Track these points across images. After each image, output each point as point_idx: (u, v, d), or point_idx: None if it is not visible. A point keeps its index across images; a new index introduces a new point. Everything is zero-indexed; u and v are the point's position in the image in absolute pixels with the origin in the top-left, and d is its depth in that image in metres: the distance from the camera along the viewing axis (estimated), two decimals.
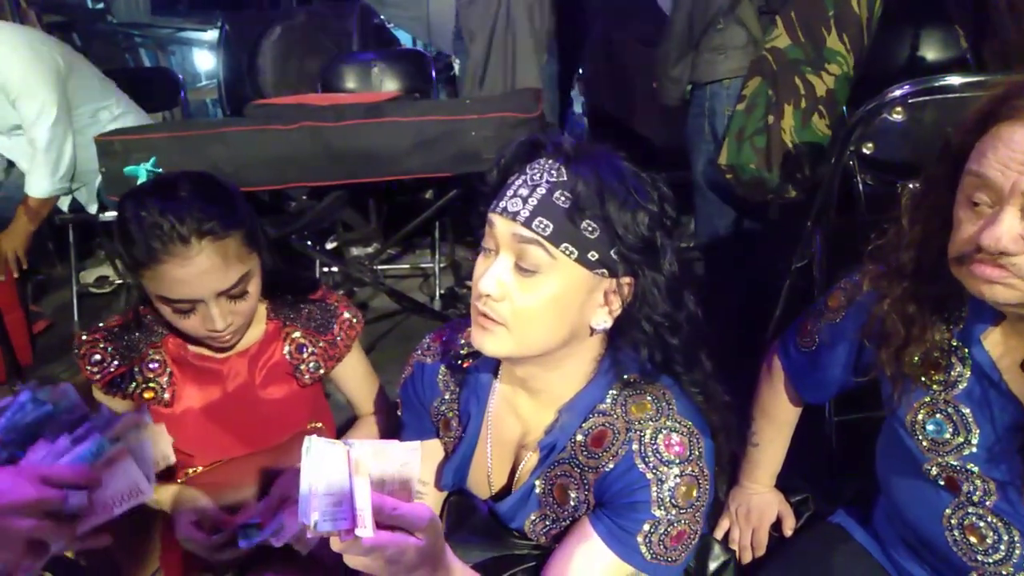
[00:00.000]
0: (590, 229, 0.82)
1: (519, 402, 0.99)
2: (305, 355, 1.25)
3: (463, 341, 1.05)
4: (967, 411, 0.90)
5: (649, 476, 0.86)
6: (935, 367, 0.91)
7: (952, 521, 0.91)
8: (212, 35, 5.12)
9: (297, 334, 1.25)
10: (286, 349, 1.24)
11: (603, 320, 0.88)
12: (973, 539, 0.89)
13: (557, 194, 0.82)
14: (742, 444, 1.22)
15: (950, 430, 0.91)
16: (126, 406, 1.21)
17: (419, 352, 1.09)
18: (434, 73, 3.61)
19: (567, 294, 0.84)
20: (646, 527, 0.85)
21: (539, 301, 0.83)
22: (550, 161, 0.86)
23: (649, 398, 0.90)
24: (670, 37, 2.11)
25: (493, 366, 1.01)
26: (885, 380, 0.97)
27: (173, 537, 1.14)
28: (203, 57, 5.72)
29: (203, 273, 1.04)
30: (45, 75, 2.47)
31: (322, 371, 1.26)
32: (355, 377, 1.34)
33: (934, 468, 0.92)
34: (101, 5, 5.06)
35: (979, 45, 2.23)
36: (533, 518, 0.96)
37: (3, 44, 2.44)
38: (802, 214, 1.90)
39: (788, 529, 1.22)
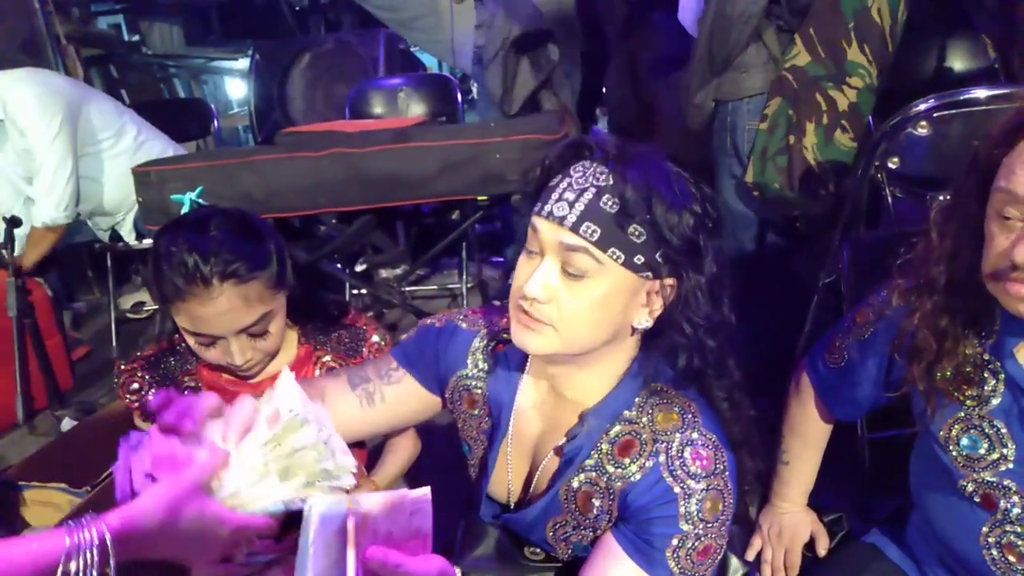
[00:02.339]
0: (637, 233, 0.82)
1: (544, 399, 0.99)
2: None
3: (502, 325, 1.03)
4: (1002, 426, 0.88)
5: (676, 490, 0.86)
6: (968, 382, 0.90)
7: (990, 539, 0.89)
8: (243, 64, 5.25)
9: (328, 358, 1.27)
10: (317, 373, 1.27)
11: (644, 320, 0.88)
12: (1012, 558, 0.87)
13: (605, 199, 0.82)
14: (769, 462, 1.21)
15: (985, 446, 0.89)
16: None
17: (457, 315, 1.08)
18: (460, 96, 3.66)
19: (612, 296, 0.84)
20: (674, 541, 0.85)
21: (585, 304, 0.84)
22: (595, 164, 0.85)
23: (676, 409, 0.90)
24: (691, 67, 2.13)
25: (524, 355, 1.00)
26: (917, 396, 0.96)
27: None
28: (235, 85, 5.86)
29: (223, 313, 1.06)
30: (51, 109, 2.54)
31: None
32: None
33: (970, 485, 0.90)
34: (137, 38, 5.22)
35: (1008, 55, 2.21)
36: (554, 523, 0.96)
37: (13, 85, 2.54)
38: (830, 230, 1.89)
39: (821, 549, 1.20)
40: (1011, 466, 0.87)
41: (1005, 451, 0.88)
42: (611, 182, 0.83)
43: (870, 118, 2.11)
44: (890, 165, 1.64)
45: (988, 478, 0.88)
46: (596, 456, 0.92)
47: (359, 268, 3.25)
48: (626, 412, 0.92)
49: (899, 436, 1.18)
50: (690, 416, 0.89)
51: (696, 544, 0.85)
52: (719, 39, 2.00)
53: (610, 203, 0.82)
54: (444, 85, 3.75)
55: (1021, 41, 2.14)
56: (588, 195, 0.82)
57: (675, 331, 0.88)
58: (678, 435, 0.88)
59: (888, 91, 2.12)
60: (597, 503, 0.92)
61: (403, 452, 1.37)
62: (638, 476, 0.88)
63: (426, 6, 4.23)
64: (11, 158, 2.65)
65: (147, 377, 1.21)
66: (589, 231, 0.81)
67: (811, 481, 1.24)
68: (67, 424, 2.48)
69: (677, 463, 0.87)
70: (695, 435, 0.88)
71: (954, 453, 0.92)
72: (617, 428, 0.91)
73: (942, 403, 0.92)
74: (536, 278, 0.84)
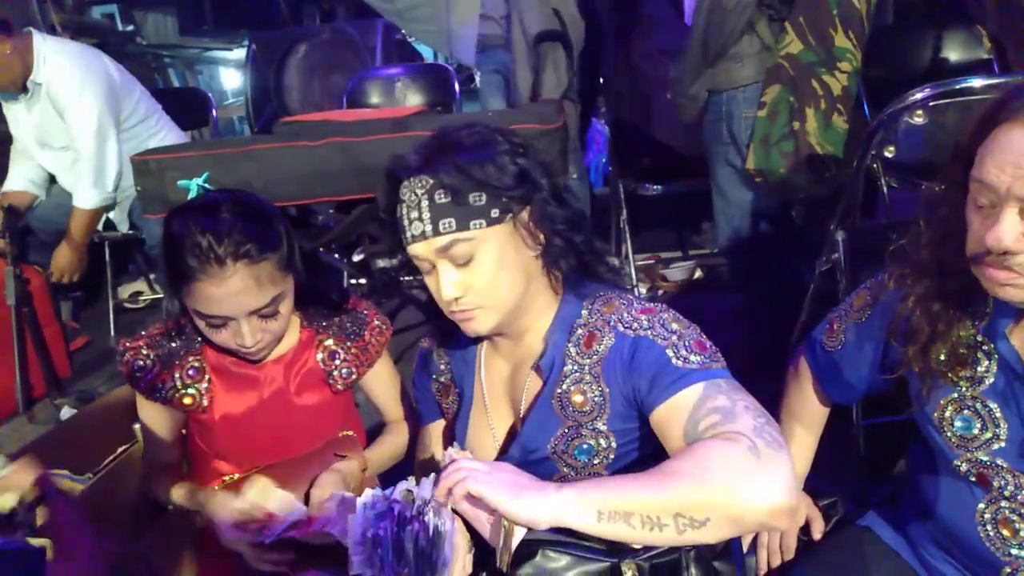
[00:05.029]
0: (477, 197, 0.95)
1: (503, 347, 1.10)
2: (338, 361, 1.28)
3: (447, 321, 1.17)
4: (995, 406, 0.90)
5: (641, 333, 0.97)
6: (962, 363, 0.92)
7: (985, 516, 0.91)
8: (238, 54, 5.23)
9: (330, 341, 1.28)
10: (319, 356, 1.28)
11: (535, 247, 1.01)
12: (1006, 532, 0.89)
13: (436, 196, 0.95)
14: None
15: (978, 426, 0.91)
16: (166, 411, 1.25)
17: (421, 343, 1.25)
18: (457, 86, 3.65)
19: (502, 253, 0.97)
20: (669, 353, 0.93)
21: (489, 274, 0.97)
22: (411, 178, 0.97)
23: (614, 299, 1.03)
24: (685, 59, 2.15)
25: None
26: (913, 377, 0.98)
27: (211, 544, 1.17)
28: (230, 75, 5.84)
29: (236, 293, 1.08)
30: (93, 87, 2.57)
31: (354, 376, 1.29)
32: (383, 382, 1.38)
33: (964, 464, 0.92)
34: (131, 27, 5.19)
35: (1002, 47, 2.22)
36: (554, 440, 1.02)
37: (56, 57, 2.55)
38: (826, 217, 1.91)
39: (817, 532, 1.21)
40: (1003, 445, 0.89)
41: (998, 431, 0.90)
42: (431, 182, 0.95)
43: (865, 107, 2.12)
44: (886, 154, 1.66)
45: (981, 457, 0.90)
46: (569, 361, 1.02)
47: (357, 258, 3.25)
48: (577, 320, 1.04)
49: (893, 423, 1.19)
50: (626, 302, 1.02)
51: (687, 343, 0.94)
52: (715, 30, 2.02)
53: (442, 195, 0.95)
54: (441, 75, 3.74)
55: (1015, 34, 2.15)
56: (424, 203, 0.96)
57: (552, 245, 1.01)
58: (624, 310, 1.01)
59: (884, 80, 2.13)
60: (589, 394, 1.00)
61: (399, 437, 1.39)
62: (607, 345, 0.99)
63: None
64: (35, 119, 2.68)
65: (151, 355, 1.21)
66: (446, 226, 0.95)
67: (807, 466, 1.25)
68: (66, 413, 2.48)
69: (630, 321, 0.99)
70: (635, 303, 1.02)
71: (948, 434, 0.93)
72: (576, 333, 1.03)
73: (937, 384, 0.94)
74: (444, 284, 0.97)
